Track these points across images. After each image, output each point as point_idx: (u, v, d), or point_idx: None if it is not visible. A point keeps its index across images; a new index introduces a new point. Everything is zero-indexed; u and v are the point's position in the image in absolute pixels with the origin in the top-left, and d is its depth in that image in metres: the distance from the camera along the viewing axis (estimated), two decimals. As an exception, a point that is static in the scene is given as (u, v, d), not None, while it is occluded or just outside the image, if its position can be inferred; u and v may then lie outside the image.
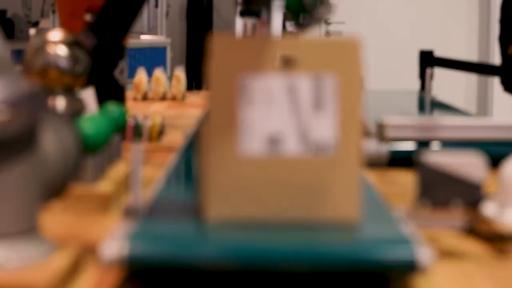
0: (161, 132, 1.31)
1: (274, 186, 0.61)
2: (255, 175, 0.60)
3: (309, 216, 0.61)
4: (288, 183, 0.60)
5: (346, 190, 0.61)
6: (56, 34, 1.02)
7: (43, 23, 4.20)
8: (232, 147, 0.60)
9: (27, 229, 0.57)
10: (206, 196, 0.61)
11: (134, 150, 0.64)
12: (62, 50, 1.00)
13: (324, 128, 0.60)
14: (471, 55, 4.93)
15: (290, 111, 0.60)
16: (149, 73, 2.02)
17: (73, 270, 0.58)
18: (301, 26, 1.07)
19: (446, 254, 0.67)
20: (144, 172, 0.66)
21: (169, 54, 4.61)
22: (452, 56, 2.57)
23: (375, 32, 4.87)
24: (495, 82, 4.61)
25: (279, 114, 0.60)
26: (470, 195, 0.65)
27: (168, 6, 5.00)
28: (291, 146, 0.60)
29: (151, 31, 4.91)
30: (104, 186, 0.80)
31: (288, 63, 0.60)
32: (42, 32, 1.09)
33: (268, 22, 1.52)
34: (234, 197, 0.60)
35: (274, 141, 0.60)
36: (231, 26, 5.13)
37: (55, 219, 0.77)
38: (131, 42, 3.34)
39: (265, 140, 0.60)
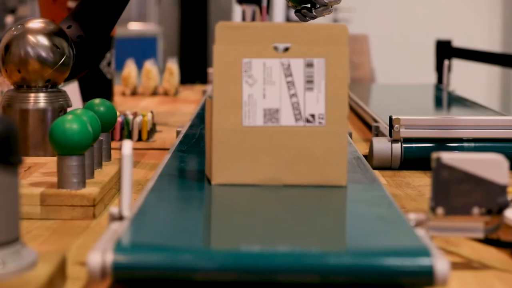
0: (152, 130, 1.31)
1: (271, 154, 0.76)
2: (255, 144, 0.75)
3: (302, 180, 0.76)
4: (284, 151, 0.75)
5: (335, 156, 0.76)
6: (36, 23, 1.02)
7: (21, 10, 4.20)
8: (235, 120, 0.75)
9: (10, 240, 0.57)
10: (212, 164, 0.76)
11: (123, 153, 0.64)
12: (42, 40, 1.00)
13: (315, 102, 0.75)
14: (494, 45, 4.93)
15: (285, 89, 0.76)
16: (139, 66, 2.02)
17: (58, 280, 0.59)
18: (307, 14, 1.09)
19: (465, 263, 0.68)
20: (134, 174, 0.67)
21: (160, 45, 4.61)
22: (472, 46, 2.58)
23: (387, 20, 4.87)
24: (520, 75, 4.62)
25: (276, 91, 0.75)
26: (493, 199, 0.65)
27: (159, -9, 5.01)
28: (287, 118, 0.75)
29: (141, 18, 4.92)
30: (91, 190, 0.81)
31: (283, 47, 0.76)
32: (20, 20, 1.09)
33: (268, 8, 1.58)
34: (237, 163, 0.76)
35: (271, 115, 0.75)
36: (228, 13, 5.13)
37: (39, 226, 0.77)
38: (119, 31, 3.35)
39: (264, 114, 0.75)
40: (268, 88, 0.75)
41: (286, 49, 0.76)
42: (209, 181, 0.78)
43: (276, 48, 0.76)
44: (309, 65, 0.76)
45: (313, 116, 0.76)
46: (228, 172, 0.76)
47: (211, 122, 0.76)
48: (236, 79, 0.75)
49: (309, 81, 0.75)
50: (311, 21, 1.03)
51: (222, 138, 0.75)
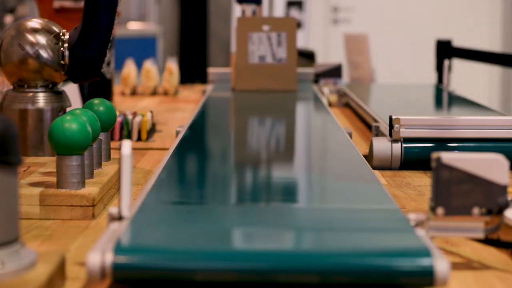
0: (151, 130, 1.31)
1: (263, 75, 1.75)
2: (255, 70, 1.75)
3: (278, 86, 1.74)
4: (269, 73, 1.74)
5: (291, 73, 1.75)
6: (35, 22, 1.02)
7: (20, 10, 4.20)
8: (246, 59, 1.75)
9: (9, 240, 0.57)
10: (235, 78, 1.75)
11: (122, 153, 0.64)
12: (42, 40, 1.00)
13: (283, 52, 1.76)
14: (494, 45, 4.93)
15: (268, 46, 1.76)
16: (139, 65, 2.02)
17: (58, 280, 0.59)
18: None
19: (465, 263, 0.68)
20: (133, 175, 0.67)
21: (160, 44, 4.61)
22: (472, 46, 2.58)
23: (387, 20, 4.87)
24: (520, 74, 4.63)
25: (264, 47, 1.76)
26: (493, 199, 0.65)
27: (159, -9, 5.01)
28: (269, 59, 1.76)
29: (140, 18, 4.92)
30: (90, 190, 0.81)
31: (269, 28, 1.77)
32: (19, 20, 1.09)
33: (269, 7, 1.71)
34: (248, 76, 1.75)
35: (262, 58, 1.76)
36: (228, 13, 5.13)
37: (38, 226, 0.77)
38: (118, 31, 3.35)
39: (258, 57, 1.76)
40: (260, 46, 1.76)
41: (270, 29, 1.75)
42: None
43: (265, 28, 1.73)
44: (278, 35, 1.77)
45: (281, 58, 1.76)
46: (242, 82, 1.75)
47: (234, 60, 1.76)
48: (245, 42, 1.76)
49: (279, 43, 1.77)
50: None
51: (239, 66, 1.75)
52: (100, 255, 0.56)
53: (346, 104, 1.75)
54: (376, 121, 1.25)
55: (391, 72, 4.55)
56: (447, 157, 0.64)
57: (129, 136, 1.25)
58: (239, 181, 0.86)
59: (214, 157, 1.02)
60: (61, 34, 1.01)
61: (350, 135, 1.16)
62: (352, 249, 0.60)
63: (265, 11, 3.72)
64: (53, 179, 0.83)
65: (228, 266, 0.56)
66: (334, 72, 1.90)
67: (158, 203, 0.72)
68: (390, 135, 1.07)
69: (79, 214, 0.80)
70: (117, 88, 1.93)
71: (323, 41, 5.01)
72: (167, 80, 1.96)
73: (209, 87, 1.85)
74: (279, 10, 4.84)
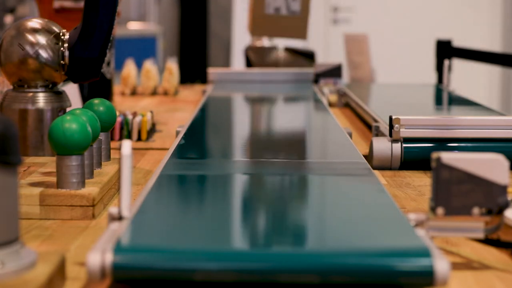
0: (151, 130, 1.31)
1: (277, 24, 1.89)
2: (270, 20, 1.89)
3: (290, 34, 1.92)
4: (282, 23, 1.89)
5: (303, 24, 1.89)
6: (35, 22, 1.02)
7: (20, 10, 4.20)
8: (262, 9, 1.89)
9: (9, 240, 0.57)
10: (251, 24, 1.91)
11: (122, 153, 0.64)
12: (42, 40, 1.00)
13: (296, 5, 1.89)
14: (494, 45, 4.93)
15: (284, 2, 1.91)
16: (138, 65, 2.02)
17: (58, 280, 0.59)
18: None
19: (465, 263, 0.68)
20: (133, 175, 0.67)
21: (160, 44, 4.61)
22: (472, 46, 2.58)
23: (387, 20, 4.87)
24: (520, 74, 4.63)
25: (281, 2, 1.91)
26: (493, 199, 0.65)
27: (159, -9, 5.01)
28: (284, 11, 1.89)
29: (140, 18, 4.92)
30: (90, 190, 0.81)
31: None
32: (19, 20, 1.09)
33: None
34: (263, 25, 1.89)
35: (277, 9, 1.89)
36: (228, 13, 5.13)
37: (38, 226, 0.77)
38: (118, 31, 3.35)
39: (274, 8, 1.89)
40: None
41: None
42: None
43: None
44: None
45: (295, 11, 1.89)
46: (257, 29, 1.91)
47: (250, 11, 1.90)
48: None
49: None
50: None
51: (256, 16, 1.87)
52: (100, 255, 0.56)
53: (346, 104, 1.75)
54: (376, 121, 1.25)
55: (391, 72, 4.55)
56: (447, 157, 0.64)
57: (129, 136, 1.25)
58: (239, 181, 0.86)
59: (214, 157, 1.02)
60: (61, 34, 1.01)
61: (350, 135, 1.16)
62: (352, 249, 0.60)
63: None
64: (53, 179, 0.83)
65: (228, 266, 0.56)
66: (334, 72, 1.90)
67: (158, 203, 0.72)
68: (390, 135, 1.07)
69: (79, 214, 0.80)
70: (117, 88, 1.93)
71: (323, 41, 5.01)
72: (167, 80, 1.96)
73: (209, 87, 1.84)
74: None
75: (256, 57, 2.15)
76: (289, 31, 1.91)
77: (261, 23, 1.90)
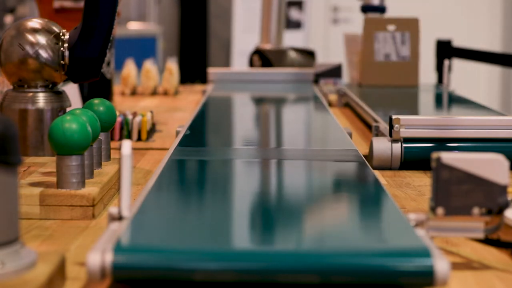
0: (151, 130, 1.31)
1: (387, 71, 1.83)
2: (380, 67, 1.84)
3: (401, 81, 1.81)
4: (392, 70, 1.84)
5: (414, 70, 1.86)
6: (35, 22, 1.02)
7: (20, 10, 4.20)
8: (372, 56, 1.82)
9: (9, 240, 0.57)
10: (360, 72, 1.85)
11: (122, 153, 0.64)
12: (42, 40, 1.00)
13: (406, 51, 1.85)
14: (494, 45, 4.93)
15: (393, 45, 1.84)
16: (138, 65, 2.02)
17: (58, 280, 0.59)
18: None
19: (465, 263, 0.68)
20: (133, 175, 0.67)
21: (160, 44, 4.61)
22: (472, 46, 2.58)
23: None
24: (520, 74, 4.62)
25: (389, 45, 1.84)
26: (493, 199, 0.65)
27: (159, -9, 5.01)
28: (394, 57, 1.82)
29: (140, 18, 4.92)
30: (90, 190, 0.81)
31: (394, 27, 1.87)
32: (19, 20, 1.09)
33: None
34: (373, 73, 1.82)
35: (387, 56, 1.84)
36: (228, 13, 5.13)
37: (38, 226, 0.77)
38: (118, 31, 3.35)
39: (383, 55, 1.83)
40: (385, 45, 1.83)
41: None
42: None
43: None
44: (403, 35, 1.84)
45: (404, 56, 1.83)
46: None
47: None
48: (372, 40, 1.84)
49: (403, 42, 1.84)
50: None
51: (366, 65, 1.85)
52: (100, 255, 0.56)
53: (346, 104, 1.75)
54: (376, 121, 1.25)
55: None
56: (447, 157, 0.64)
57: (129, 136, 1.25)
58: (239, 181, 0.86)
59: (214, 157, 1.02)
60: (61, 34, 1.01)
61: (350, 135, 1.16)
62: (352, 249, 0.60)
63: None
64: (53, 179, 0.83)
65: (228, 266, 0.56)
66: (334, 72, 1.90)
67: (158, 203, 0.72)
68: (390, 135, 1.07)
69: (79, 214, 0.80)
70: (117, 88, 1.93)
71: (323, 41, 5.01)
72: (167, 80, 1.96)
73: (209, 87, 1.84)
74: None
75: (275, 59, 2.15)
76: (400, 77, 1.83)
77: (371, 71, 1.83)
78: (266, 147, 1.10)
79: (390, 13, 2.17)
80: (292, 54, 2.17)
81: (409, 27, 1.87)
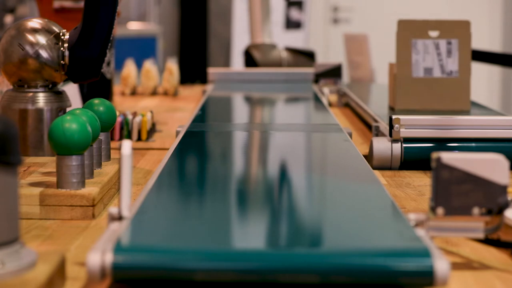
0: (151, 130, 1.31)
1: (429, 91, 1.38)
2: (420, 85, 1.39)
3: (447, 105, 1.37)
4: (436, 89, 1.39)
5: (464, 90, 1.41)
6: (35, 22, 1.02)
7: (20, 10, 4.20)
8: (408, 71, 1.38)
9: (9, 240, 0.57)
10: (395, 94, 1.38)
11: (122, 153, 0.64)
12: (42, 40, 1.00)
13: (454, 64, 1.40)
14: (494, 45, 4.93)
15: (436, 56, 1.40)
16: (138, 65, 2.02)
17: (58, 280, 0.59)
18: None
19: (465, 263, 0.68)
20: (133, 175, 0.67)
21: (160, 45, 4.61)
22: (473, 46, 2.57)
23: (387, 20, 4.87)
24: (520, 74, 4.62)
25: (431, 57, 1.39)
26: (493, 199, 0.65)
27: (159, -9, 5.01)
28: (437, 72, 1.39)
29: (140, 18, 4.92)
30: (90, 190, 0.81)
31: (437, 33, 1.40)
32: (19, 20, 1.09)
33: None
34: (411, 93, 1.37)
35: (428, 71, 1.38)
36: (228, 13, 5.13)
37: (38, 226, 0.77)
38: (118, 30, 3.35)
39: (423, 69, 1.39)
40: (426, 56, 1.38)
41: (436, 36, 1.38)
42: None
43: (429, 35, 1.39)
44: (449, 43, 1.40)
45: (451, 71, 1.39)
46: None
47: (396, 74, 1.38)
48: (409, 50, 1.38)
49: (449, 52, 1.40)
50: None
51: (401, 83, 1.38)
52: (100, 255, 0.56)
53: (346, 104, 1.75)
54: (376, 121, 1.25)
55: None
56: (447, 157, 0.64)
57: (129, 136, 1.25)
58: (239, 181, 0.86)
59: (214, 157, 1.02)
60: (61, 34, 1.01)
61: (350, 135, 1.16)
62: (352, 249, 0.60)
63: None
64: (53, 179, 0.83)
65: (228, 266, 0.56)
66: (334, 72, 1.90)
67: (158, 203, 0.72)
68: (390, 135, 1.07)
69: (79, 214, 0.80)
70: (117, 88, 1.93)
71: (323, 41, 5.01)
72: (167, 80, 1.96)
73: (209, 87, 1.84)
74: (279, 10, 4.83)
75: (260, 56, 2.14)
76: (446, 99, 1.37)
77: (408, 90, 1.37)
78: (266, 147, 1.10)
79: (385, 14, 2.15)
80: (283, 54, 2.16)
81: (457, 32, 1.43)
